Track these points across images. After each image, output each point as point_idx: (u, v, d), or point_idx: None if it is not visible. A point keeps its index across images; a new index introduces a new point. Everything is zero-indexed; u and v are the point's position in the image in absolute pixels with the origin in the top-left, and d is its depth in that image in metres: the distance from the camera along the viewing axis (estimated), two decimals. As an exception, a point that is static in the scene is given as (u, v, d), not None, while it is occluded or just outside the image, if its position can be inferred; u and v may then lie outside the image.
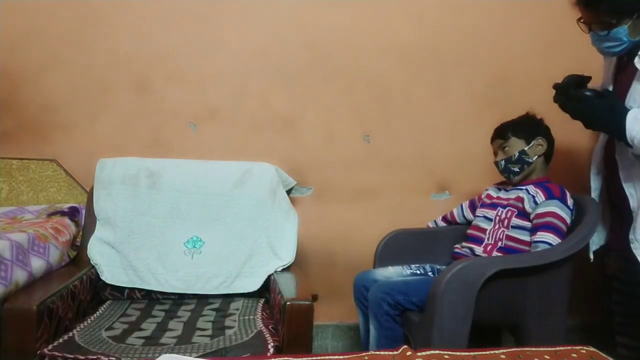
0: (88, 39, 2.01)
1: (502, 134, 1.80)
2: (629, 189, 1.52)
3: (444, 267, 1.69)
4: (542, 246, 1.58)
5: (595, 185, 1.72)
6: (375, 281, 1.72)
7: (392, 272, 1.79)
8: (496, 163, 1.80)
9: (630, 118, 1.39)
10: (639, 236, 1.49)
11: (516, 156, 1.74)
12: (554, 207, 1.63)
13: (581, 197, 1.69)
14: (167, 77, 2.07)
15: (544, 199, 1.65)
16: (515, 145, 1.76)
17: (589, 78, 1.51)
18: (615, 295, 1.69)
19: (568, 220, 1.63)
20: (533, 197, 1.68)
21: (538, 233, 1.61)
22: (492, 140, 1.85)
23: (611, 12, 1.41)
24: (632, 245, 1.50)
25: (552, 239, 1.58)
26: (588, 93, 1.46)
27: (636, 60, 1.43)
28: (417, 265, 1.82)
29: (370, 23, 2.16)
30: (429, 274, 1.78)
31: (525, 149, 1.74)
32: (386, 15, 2.16)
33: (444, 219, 2.03)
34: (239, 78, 2.11)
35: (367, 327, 1.71)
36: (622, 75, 1.56)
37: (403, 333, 1.60)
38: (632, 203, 1.52)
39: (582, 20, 1.50)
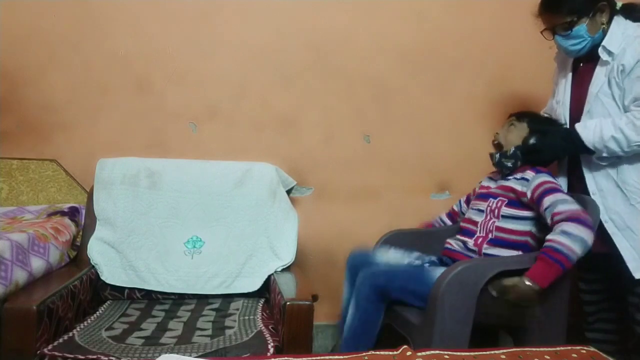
0: (88, 39, 2.01)
1: (519, 114, 1.80)
2: (587, 174, 1.68)
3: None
4: (559, 205, 1.53)
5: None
6: (371, 264, 1.71)
7: (392, 257, 1.78)
8: (491, 155, 1.80)
9: (580, 131, 1.60)
10: (612, 215, 1.62)
11: (511, 151, 1.73)
12: (546, 176, 1.64)
13: (581, 197, 1.69)
14: (167, 77, 2.07)
15: (533, 174, 1.66)
16: (520, 132, 1.75)
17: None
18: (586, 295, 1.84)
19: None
20: (522, 177, 1.68)
21: (545, 199, 1.57)
22: (509, 115, 1.84)
23: (570, 12, 1.59)
24: (606, 225, 1.62)
25: (561, 197, 1.56)
26: (532, 141, 1.71)
27: (600, 49, 1.60)
28: (418, 254, 1.80)
29: (370, 23, 2.16)
30: (426, 265, 1.77)
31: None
32: (386, 16, 2.16)
33: (448, 214, 2.03)
34: (239, 78, 2.11)
35: (350, 295, 1.69)
36: (584, 67, 1.72)
37: (383, 323, 1.59)
38: (592, 187, 1.66)
39: (545, 29, 1.66)
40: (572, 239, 1.45)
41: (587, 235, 1.46)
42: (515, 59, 2.25)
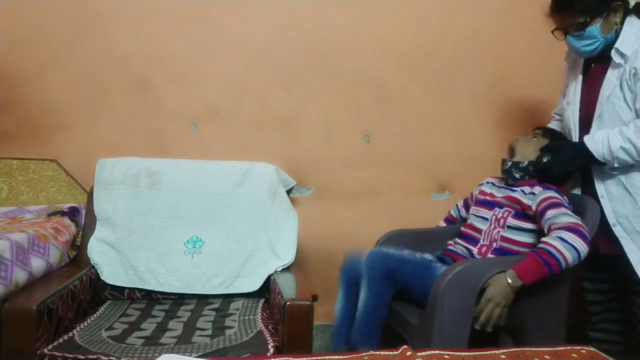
0: (88, 39, 2.02)
1: (546, 130, 1.81)
2: (596, 177, 1.65)
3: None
4: (561, 217, 1.53)
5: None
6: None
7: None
8: (503, 161, 1.79)
9: (589, 143, 1.57)
10: (620, 218, 1.60)
11: (524, 165, 1.72)
12: (553, 192, 1.64)
13: (580, 197, 1.69)
14: (167, 77, 2.07)
15: (541, 189, 1.66)
16: (538, 147, 1.74)
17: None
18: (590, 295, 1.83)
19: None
20: (530, 192, 1.67)
21: (548, 212, 1.57)
22: (536, 127, 1.84)
23: (584, 12, 1.54)
24: (614, 228, 1.60)
25: (563, 211, 1.56)
26: (545, 159, 1.67)
27: (613, 52, 1.56)
28: (410, 252, 1.80)
29: (370, 23, 2.16)
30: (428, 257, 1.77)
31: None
32: (386, 16, 2.16)
33: (447, 220, 2.02)
34: (239, 78, 2.11)
35: (345, 302, 1.70)
36: (595, 68, 1.68)
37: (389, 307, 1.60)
38: (600, 191, 1.64)
39: (556, 29, 1.62)
40: (565, 246, 1.46)
41: (581, 246, 1.46)
42: (516, 59, 2.25)
